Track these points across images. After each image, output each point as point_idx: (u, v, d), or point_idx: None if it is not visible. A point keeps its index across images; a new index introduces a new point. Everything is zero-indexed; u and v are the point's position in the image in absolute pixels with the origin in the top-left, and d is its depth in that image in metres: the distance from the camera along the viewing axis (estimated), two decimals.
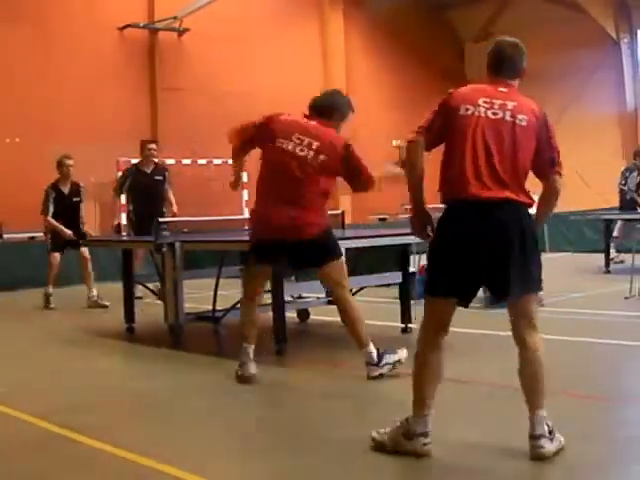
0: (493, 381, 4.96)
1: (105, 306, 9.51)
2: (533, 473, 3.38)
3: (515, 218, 3.54)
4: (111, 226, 10.62)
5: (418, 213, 3.92)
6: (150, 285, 8.12)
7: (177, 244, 6.60)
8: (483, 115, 3.58)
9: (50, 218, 9.80)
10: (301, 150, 5.13)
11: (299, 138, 5.16)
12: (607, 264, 11.32)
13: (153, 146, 10.41)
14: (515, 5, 22.55)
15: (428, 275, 3.86)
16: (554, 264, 12.88)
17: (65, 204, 9.91)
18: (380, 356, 5.19)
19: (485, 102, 3.61)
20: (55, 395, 5.12)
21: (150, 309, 8.24)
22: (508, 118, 3.57)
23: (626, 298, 8.17)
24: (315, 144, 5.15)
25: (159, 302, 7.38)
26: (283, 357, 5.98)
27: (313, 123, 5.31)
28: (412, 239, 7.34)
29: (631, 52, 21.18)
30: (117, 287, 9.23)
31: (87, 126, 14.62)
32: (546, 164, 3.65)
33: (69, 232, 9.75)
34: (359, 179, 5.33)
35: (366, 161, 5.24)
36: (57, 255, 9.89)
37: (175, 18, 16.84)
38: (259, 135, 5.32)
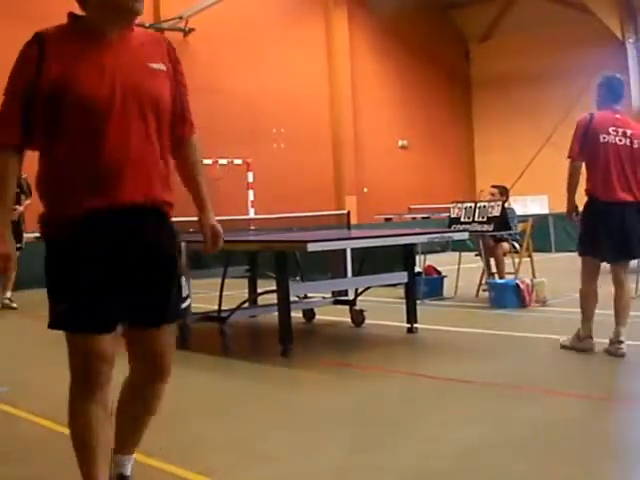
0: (493, 381, 4.97)
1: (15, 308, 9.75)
2: (537, 470, 3.37)
3: None
4: None
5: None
6: None
7: (183, 244, 6.61)
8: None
9: None
10: None
11: None
12: None
13: None
14: (520, 5, 22.54)
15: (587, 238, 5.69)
16: (559, 264, 12.84)
17: None
18: None
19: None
20: (59, 394, 5.12)
21: None
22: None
23: (632, 298, 8.15)
24: None
25: None
26: (289, 358, 5.98)
27: None
28: (417, 239, 7.38)
29: (637, 52, 21.14)
30: None
31: None
32: None
33: None
34: None
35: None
36: None
37: (180, 18, 16.88)
38: None
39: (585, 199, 5.72)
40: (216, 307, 6.87)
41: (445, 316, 7.91)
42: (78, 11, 2.77)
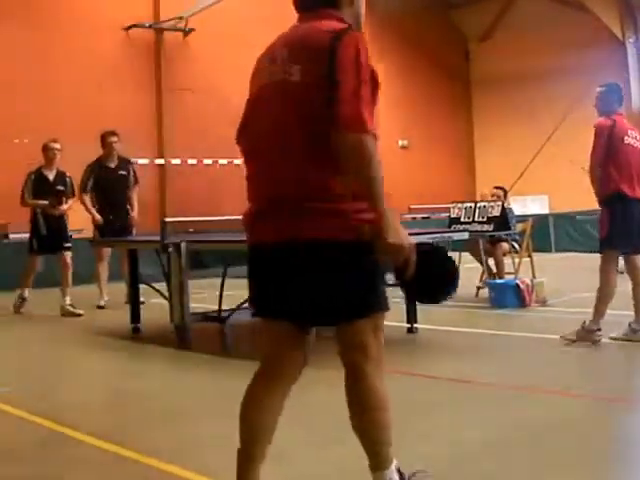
0: (493, 381, 4.97)
1: (79, 314, 8.86)
2: (538, 470, 3.37)
3: None
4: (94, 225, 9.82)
5: None
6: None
7: (183, 244, 6.61)
8: None
9: (29, 200, 8.96)
10: None
11: None
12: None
13: (115, 139, 9.66)
14: (520, 5, 22.53)
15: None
16: (560, 264, 12.85)
17: (48, 191, 9.01)
18: None
19: None
20: (58, 394, 5.13)
21: (156, 309, 8.25)
22: None
23: None
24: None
25: (165, 302, 7.38)
26: None
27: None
28: (417, 239, 7.36)
29: (637, 52, 21.13)
30: (120, 287, 9.28)
31: (92, 126, 14.60)
32: None
33: (46, 202, 8.94)
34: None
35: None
36: (38, 258, 9.25)
37: (181, 18, 16.86)
38: None
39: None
40: (216, 307, 6.87)
41: (445, 316, 7.90)
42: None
